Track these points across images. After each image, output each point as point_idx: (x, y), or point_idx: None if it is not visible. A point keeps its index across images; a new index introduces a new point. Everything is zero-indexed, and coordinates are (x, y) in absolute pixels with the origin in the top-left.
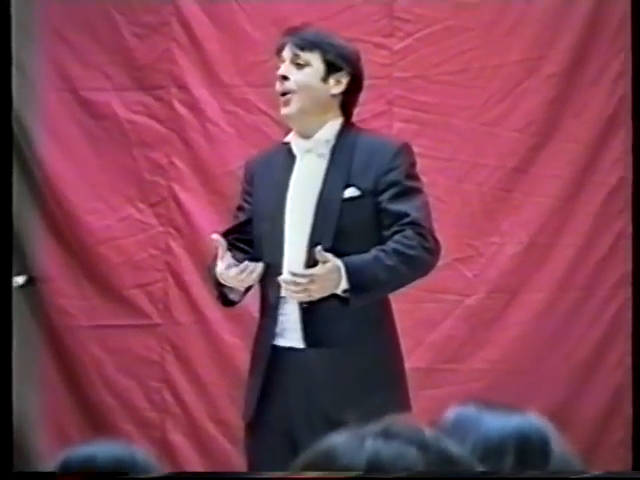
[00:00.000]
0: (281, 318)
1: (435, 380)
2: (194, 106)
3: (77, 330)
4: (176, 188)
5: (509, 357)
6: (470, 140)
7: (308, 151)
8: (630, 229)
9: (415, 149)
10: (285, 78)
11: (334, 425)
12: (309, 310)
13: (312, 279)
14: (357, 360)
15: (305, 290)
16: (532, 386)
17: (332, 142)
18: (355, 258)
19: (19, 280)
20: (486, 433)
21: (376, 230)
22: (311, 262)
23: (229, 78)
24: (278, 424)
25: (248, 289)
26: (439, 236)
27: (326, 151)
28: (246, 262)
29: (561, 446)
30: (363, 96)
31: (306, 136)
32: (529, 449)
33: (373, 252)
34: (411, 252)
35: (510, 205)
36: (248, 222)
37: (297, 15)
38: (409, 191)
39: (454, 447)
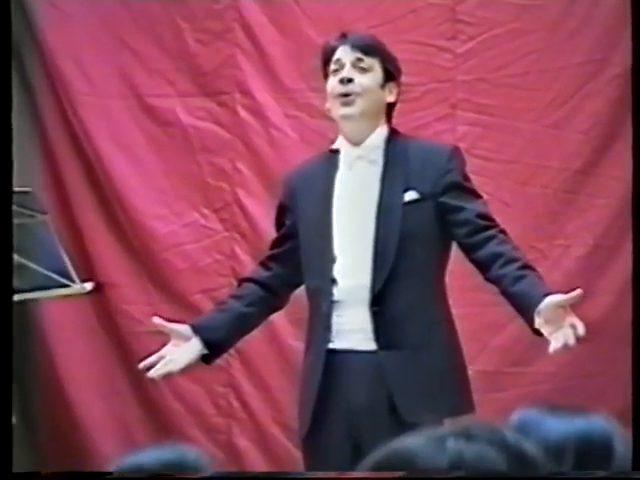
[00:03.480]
0: (336, 320)
1: (501, 383)
2: (257, 111)
3: (143, 336)
4: (240, 193)
5: (576, 360)
6: (534, 142)
7: (359, 158)
8: None
9: (479, 152)
10: (350, 80)
11: (405, 427)
12: (379, 312)
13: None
14: (427, 361)
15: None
16: (600, 388)
17: (382, 148)
18: (535, 290)
19: (86, 286)
20: (546, 435)
21: (437, 232)
22: (378, 268)
23: (292, 83)
24: (339, 427)
25: (219, 347)
26: None
27: (377, 157)
28: (163, 353)
29: (628, 448)
30: (427, 100)
31: (356, 143)
32: (590, 451)
33: (524, 272)
34: (520, 252)
35: (575, 207)
36: (286, 238)
37: (360, 19)
38: (470, 191)
39: (532, 448)
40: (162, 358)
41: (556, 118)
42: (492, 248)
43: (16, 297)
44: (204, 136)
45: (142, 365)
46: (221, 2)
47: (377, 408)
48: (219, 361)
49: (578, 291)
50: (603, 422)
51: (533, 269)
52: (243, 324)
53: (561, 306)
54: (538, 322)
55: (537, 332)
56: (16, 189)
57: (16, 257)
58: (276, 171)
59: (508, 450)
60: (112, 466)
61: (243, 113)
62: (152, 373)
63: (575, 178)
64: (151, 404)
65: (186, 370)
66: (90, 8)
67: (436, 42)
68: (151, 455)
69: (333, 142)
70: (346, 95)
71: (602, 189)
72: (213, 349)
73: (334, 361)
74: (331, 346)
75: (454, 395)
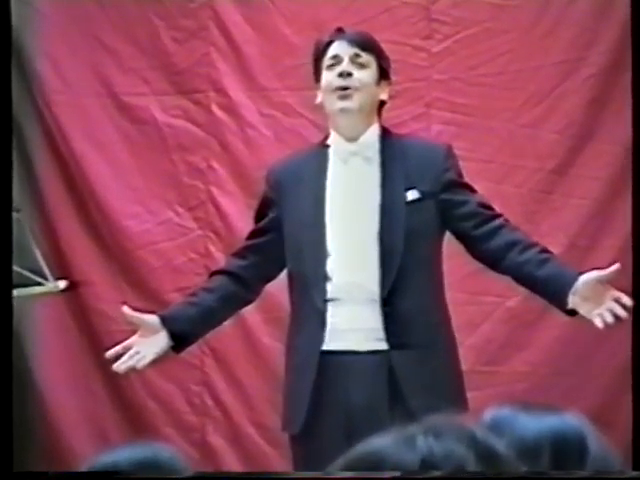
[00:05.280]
0: (330, 320)
1: (476, 382)
2: (232, 110)
3: (118, 334)
4: (215, 192)
5: (550, 359)
6: (509, 142)
7: (354, 154)
8: None
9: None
10: (350, 74)
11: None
12: (389, 312)
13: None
14: (434, 360)
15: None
16: (574, 388)
17: (377, 145)
18: (565, 270)
19: (60, 285)
20: (521, 434)
21: (436, 231)
22: (386, 267)
23: (267, 82)
24: (336, 428)
25: (187, 339)
26: None
27: (373, 154)
28: (130, 343)
29: (601, 447)
30: (402, 98)
31: (350, 138)
32: (565, 450)
33: (547, 255)
34: (532, 238)
35: (549, 207)
36: (267, 230)
37: (335, 18)
38: (468, 186)
39: (500, 444)
40: (128, 349)
41: (531, 118)
42: (506, 236)
43: None
44: (179, 134)
45: (109, 354)
46: (196, 0)
47: (378, 409)
48: (193, 360)
49: (617, 265)
50: (575, 420)
51: (551, 252)
52: (212, 318)
53: (600, 282)
54: (574, 301)
55: (571, 312)
56: None
57: None
58: (251, 170)
59: (477, 447)
60: (85, 465)
61: (218, 112)
62: (117, 366)
63: (550, 178)
64: (125, 403)
65: (153, 364)
66: (65, 7)
67: (411, 41)
68: (125, 454)
69: (307, 140)
70: (345, 89)
71: (577, 189)
72: (180, 341)
73: (328, 361)
74: (325, 346)
75: (456, 394)
